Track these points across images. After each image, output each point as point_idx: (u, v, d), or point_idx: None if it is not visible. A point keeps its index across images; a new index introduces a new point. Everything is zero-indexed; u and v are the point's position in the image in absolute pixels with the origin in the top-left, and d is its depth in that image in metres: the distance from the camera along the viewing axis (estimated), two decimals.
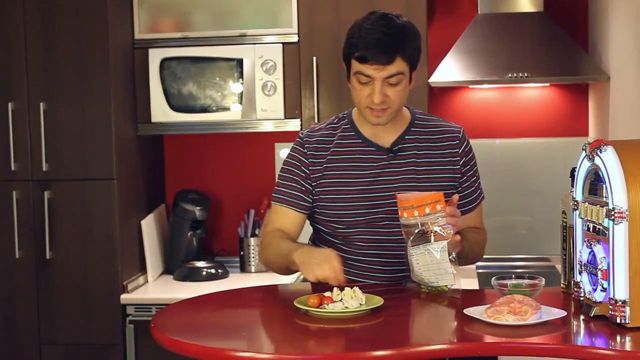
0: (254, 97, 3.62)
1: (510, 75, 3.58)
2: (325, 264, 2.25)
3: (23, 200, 3.49)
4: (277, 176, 2.62)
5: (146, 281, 3.73)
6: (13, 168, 3.48)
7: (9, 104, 3.47)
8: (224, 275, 3.77)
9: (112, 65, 3.46)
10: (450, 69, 3.62)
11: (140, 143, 3.77)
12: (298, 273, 2.54)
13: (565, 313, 2.02)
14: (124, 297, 3.48)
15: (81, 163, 3.48)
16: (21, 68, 3.47)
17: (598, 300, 1.98)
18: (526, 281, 2.21)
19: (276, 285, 2.54)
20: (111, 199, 3.47)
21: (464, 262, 2.53)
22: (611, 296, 1.93)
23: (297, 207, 2.54)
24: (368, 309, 2.11)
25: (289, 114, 3.64)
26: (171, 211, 3.91)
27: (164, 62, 3.65)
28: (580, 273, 2.07)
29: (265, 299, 2.45)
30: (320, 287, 2.26)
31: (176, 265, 3.83)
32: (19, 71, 3.47)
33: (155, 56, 3.65)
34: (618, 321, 1.92)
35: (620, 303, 1.91)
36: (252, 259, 3.83)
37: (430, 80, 3.59)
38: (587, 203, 2.06)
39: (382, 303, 2.14)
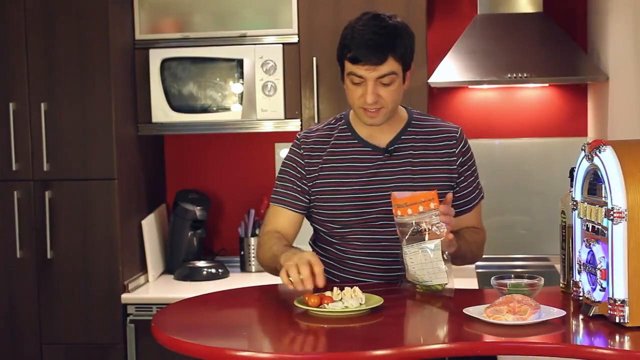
0: (254, 98, 3.63)
1: (509, 75, 3.58)
2: (302, 265, 2.19)
3: (24, 200, 3.50)
4: (276, 177, 2.63)
5: (147, 281, 3.73)
6: (14, 168, 3.49)
7: (10, 104, 3.47)
8: (225, 275, 3.78)
9: (112, 65, 3.46)
10: (449, 70, 3.63)
11: (141, 143, 3.77)
12: None
13: (565, 313, 2.02)
14: (125, 297, 3.49)
15: (82, 163, 3.48)
16: (22, 68, 3.47)
17: (597, 299, 1.99)
18: (525, 281, 2.21)
19: (276, 285, 2.55)
20: (112, 198, 3.48)
21: (462, 262, 2.54)
22: (610, 296, 1.93)
23: (293, 207, 2.54)
24: (368, 309, 2.11)
25: (289, 114, 3.64)
26: (172, 211, 3.92)
27: (165, 63, 3.66)
28: (579, 273, 2.08)
29: (266, 299, 2.45)
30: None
31: (177, 265, 3.83)
32: (20, 71, 3.47)
33: (156, 56, 3.66)
34: (617, 321, 1.92)
35: (619, 303, 1.92)
36: (253, 259, 3.84)
37: (429, 81, 3.60)
38: (586, 203, 2.06)
39: (382, 303, 2.14)
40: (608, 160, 1.95)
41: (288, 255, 2.29)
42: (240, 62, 3.63)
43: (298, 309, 2.14)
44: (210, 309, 2.32)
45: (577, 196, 2.11)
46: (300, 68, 3.62)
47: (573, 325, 2.03)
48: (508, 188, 3.98)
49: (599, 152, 1.97)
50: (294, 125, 3.64)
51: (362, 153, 2.52)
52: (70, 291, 3.50)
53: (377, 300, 2.15)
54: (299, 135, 2.60)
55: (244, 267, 3.90)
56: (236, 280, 3.72)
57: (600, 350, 1.84)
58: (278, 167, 2.61)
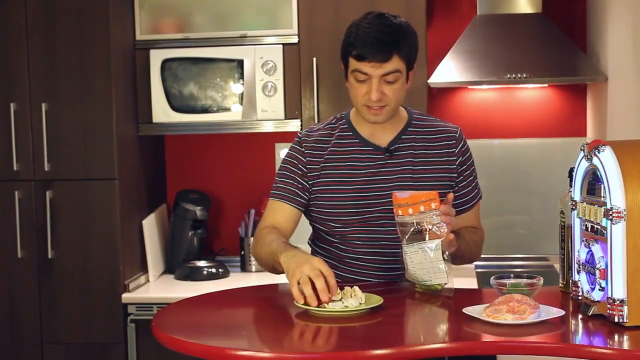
0: (255, 98, 3.64)
1: (509, 75, 3.59)
2: (316, 279, 2.14)
3: (25, 200, 3.50)
4: (276, 174, 2.64)
5: (147, 280, 3.74)
6: (15, 168, 3.50)
7: (11, 105, 3.48)
8: (225, 274, 3.79)
9: (113, 66, 3.47)
10: (449, 70, 3.63)
11: (142, 143, 3.78)
12: None
13: (564, 312, 2.02)
14: (126, 297, 3.49)
15: (83, 163, 3.49)
16: (23, 69, 3.48)
17: (596, 299, 1.99)
18: (525, 280, 2.21)
19: (276, 284, 2.55)
20: (112, 198, 3.48)
21: (460, 262, 2.54)
22: (609, 295, 1.94)
23: (292, 202, 2.54)
24: (368, 308, 2.12)
25: (289, 115, 3.65)
26: (172, 211, 3.93)
27: (165, 63, 3.66)
28: (578, 272, 2.08)
29: (266, 298, 2.45)
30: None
31: (177, 265, 3.84)
32: (21, 72, 3.48)
33: (157, 57, 3.66)
34: (616, 320, 1.93)
35: (618, 302, 1.92)
36: (253, 259, 3.84)
37: (429, 81, 3.61)
38: (585, 203, 2.06)
39: (381, 302, 2.15)
40: (607, 161, 1.95)
41: (289, 255, 2.28)
42: (240, 63, 3.64)
43: (298, 308, 2.14)
44: (210, 308, 2.32)
45: (576, 196, 2.11)
46: (300, 68, 3.63)
47: (572, 325, 2.04)
48: (507, 188, 3.98)
49: (598, 152, 1.97)
50: (294, 125, 3.64)
51: (363, 152, 2.53)
52: (71, 291, 3.51)
53: (376, 300, 2.16)
54: (300, 133, 2.61)
55: (244, 267, 3.90)
56: (236, 280, 3.73)
57: (599, 350, 1.85)
58: (278, 167, 2.62)
